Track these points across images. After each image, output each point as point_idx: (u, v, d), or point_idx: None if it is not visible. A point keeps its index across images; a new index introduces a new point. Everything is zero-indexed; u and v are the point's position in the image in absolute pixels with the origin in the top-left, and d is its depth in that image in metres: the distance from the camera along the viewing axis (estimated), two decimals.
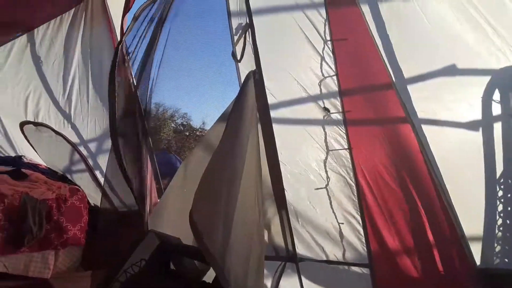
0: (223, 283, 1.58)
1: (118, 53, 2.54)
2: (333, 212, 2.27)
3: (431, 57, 2.07)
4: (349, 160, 2.25)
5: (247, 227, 1.88)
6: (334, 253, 2.36)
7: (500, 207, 2.00)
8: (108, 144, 3.80)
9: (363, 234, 2.27)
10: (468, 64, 2.01)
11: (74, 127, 3.86)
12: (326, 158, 2.28)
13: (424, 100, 2.11)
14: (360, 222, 2.28)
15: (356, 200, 2.27)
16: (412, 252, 2.18)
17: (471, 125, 2.04)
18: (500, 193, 1.99)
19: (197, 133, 8.49)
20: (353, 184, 2.26)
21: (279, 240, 2.44)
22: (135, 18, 2.51)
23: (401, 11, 2.10)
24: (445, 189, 2.07)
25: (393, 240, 2.20)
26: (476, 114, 2.01)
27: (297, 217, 2.43)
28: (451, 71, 2.01)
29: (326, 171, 2.28)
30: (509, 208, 1.98)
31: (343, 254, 2.31)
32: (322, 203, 2.36)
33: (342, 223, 2.26)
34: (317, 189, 2.30)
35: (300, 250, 2.43)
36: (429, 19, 2.01)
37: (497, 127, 1.98)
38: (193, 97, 3.21)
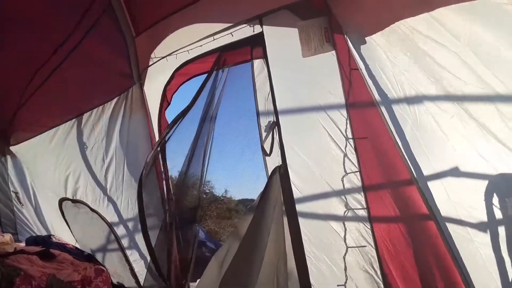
0: None
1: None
2: None
3: (442, 157, 2.18)
4: (375, 257, 2.29)
5: None
6: None
7: None
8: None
9: None
10: (471, 168, 2.10)
11: (109, 206, 4.07)
12: (345, 254, 2.33)
13: (444, 198, 2.16)
14: None
15: None
16: None
17: (480, 226, 2.09)
18: None
19: (219, 200, 8.59)
20: (380, 282, 2.28)
21: None
22: (173, 122, 2.76)
23: (416, 113, 2.22)
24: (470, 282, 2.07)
25: None
26: (483, 215, 2.07)
27: None
28: (455, 173, 2.11)
29: (345, 268, 2.32)
30: None
31: None
32: None
33: None
34: (339, 286, 2.33)
35: None
36: (437, 123, 2.15)
37: (502, 231, 2.04)
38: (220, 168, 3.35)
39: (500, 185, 2.05)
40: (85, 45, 3.31)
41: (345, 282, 2.37)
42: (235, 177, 3.13)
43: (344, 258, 2.38)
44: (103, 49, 3.59)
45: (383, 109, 2.32)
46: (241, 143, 2.98)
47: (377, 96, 2.33)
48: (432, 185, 2.21)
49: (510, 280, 2.01)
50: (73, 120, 4.06)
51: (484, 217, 2.08)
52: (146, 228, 2.91)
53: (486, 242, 2.08)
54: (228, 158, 3.02)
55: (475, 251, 2.09)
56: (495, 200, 2.05)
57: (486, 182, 2.07)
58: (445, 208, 2.17)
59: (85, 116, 3.99)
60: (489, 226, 2.08)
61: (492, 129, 1.99)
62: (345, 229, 2.39)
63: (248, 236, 2.21)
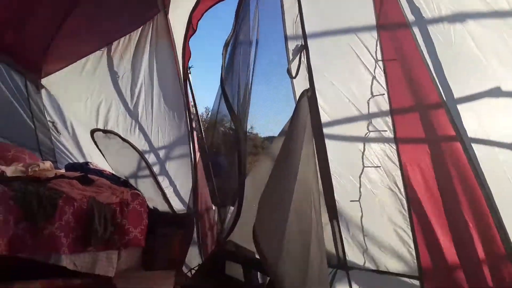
0: (277, 286, 1.77)
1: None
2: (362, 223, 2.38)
3: (479, 78, 2.16)
4: (400, 176, 2.37)
5: (304, 235, 2.07)
6: (384, 263, 2.50)
7: None
8: (172, 151, 4.18)
9: (413, 247, 2.39)
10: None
11: (140, 134, 4.24)
12: (361, 173, 2.41)
13: (473, 120, 2.19)
14: (411, 236, 2.40)
15: (406, 214, 2.39)
16: (462, 267, 2.26)
17: None
18: None
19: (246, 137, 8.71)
20: (403, 199, 2.38)
21: (330, 248, 2.62)
22: (226, 45, 2.76)
23: (451, 34, 2.18)
24: (495, 207, 2.14)
25: (443, 255, 2.31)
26: None
27: (348, 227, 2.60)
28: (496, 93, 2.09)
29: (360, 185, 2.42)
30: None
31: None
32: (374, 215, 2.50)
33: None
34: (352, 201, 2.44)
35: (351, 258, 2.59)
36: (476, 42, 2.09)
37: None
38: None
39: None
40: None
41: (359, 198, 2.48)
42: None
43: (360, 177, 2.47)
44: None
45: (415, 30, 2.27)
46: (269, 72, 2.96)
47: (410, 16, 2.27)
48: (464, 108, 2.21)
49: None
50: (102, 49, 4.12)
51: None
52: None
53: None
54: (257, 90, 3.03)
55: (499, 169, 2.14)
56: None
57: None
58: (473, 128, 2.19)
59: (113, 45, 4.05)
60: None
61: None
62: (364, 149, 2.45)
63: (282, 156, 2.30)
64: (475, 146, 2.19)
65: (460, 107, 2.22)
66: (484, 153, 2.19)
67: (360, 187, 2.50)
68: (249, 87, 2.62)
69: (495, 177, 2.17)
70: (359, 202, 2.53)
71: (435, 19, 2.22)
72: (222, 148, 3.58)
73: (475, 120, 2.21)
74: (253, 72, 2.60)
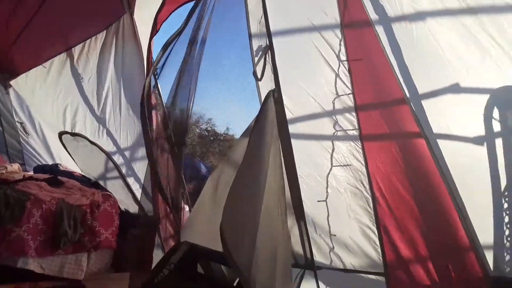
0: None
1: (150, 77, 2.78)
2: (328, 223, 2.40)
3: (440, 75, 2.20)
4: (365, 174, 2.39)
5: (272, 237, 2.07)
6: (350, 261, 2.52)
7: (506, 219, 2.12)
8: (138, 152, 4.11)
9: (378, 244, 2.41)
10: (471, 83, 2.13)
11: (108, 138, 4.16)
12: (329, 172, 2.43)
13: (436, 116, 2.24)
14: (376, 233, 2.42)
15: (372, 212, 2.41)
16: (426, 260, 2.31)
17: (477, 140, 2.17)
18: (506, 206, 2.12)
19: (221, 138, 8.70)
20: (369, 197, 2.40)
21: (298, 248, 2.62)
22: (164, 48, 2.73)
23: (413, 32, 2.21)
24: (459, 200, 2.18)
25: (407, 249, 2.35)
26: (480, 130, 2.14)
27: (315, 227, 2.60)
28: (456, 89, 2.14)
29: (327, 185, 2.43)
30: None
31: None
32: (340, 215, 2.51)
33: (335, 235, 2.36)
34: (319, 201, 2.46)
35: (318, 258, 2.60)
36: (437, 39, 2.14)
37: (499, 143, 2.11)
38: (219, 106, 3.36)
39: (502, 98, 2.10)
40: None
41: (326, 198, 2.50)
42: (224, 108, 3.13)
43: (327, 176, 2.48)
44: None
45: (379, 28, 2.30)
46: (233, 71, 2.96)
47: (373, 15, 2.29)
48: (428, 103, 2.26)
49: (502, 190, 2.12)
50: (67, 51, 4.03)
51: (481, 131, 2.15)
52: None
53: (480, 155, 2.16)
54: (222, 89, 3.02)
55: (463, 163, 2.19)
56: (495, 113, 2.10)
57: (487, 96, 2.11)
58: (436, 124, 2.24)
59: (78, 48, 3.96)
60: (486, 138, 2.15)
61: (497, 39, 1.96)
62: (333, 148, 2.47)
63: (249, 157, 2.29)
64: (439, 142, 2.24)
65: (424, 103, 2.26)
66: (448, 148, 2.23)
67: (327, 186, 2.50)
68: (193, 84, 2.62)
69: (459, 171, 2.21)
70: (326, 202, 2.53)
71: (398, 18, 2.25)
72: (198, 150, 3.55)
73: (439, 116, 2.25)
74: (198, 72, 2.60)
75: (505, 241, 2.12)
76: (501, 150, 2.09)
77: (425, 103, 2.27)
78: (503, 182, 2.10)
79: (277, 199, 2.22)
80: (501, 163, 2.09)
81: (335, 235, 2.58)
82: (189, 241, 2.39)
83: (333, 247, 2.57)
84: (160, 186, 3.18)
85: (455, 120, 2.25)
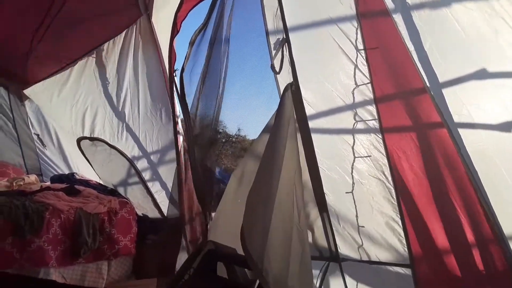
0: (262, 282, 1.80)
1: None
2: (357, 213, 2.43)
3: (463, 61, 2.19)
4: (387, 165, 2.40)
5: (286, 231, 2.09)
6: (376, 253, 2.51)
7: None
8: (159, 155, 4.19)
9: (403, 236, 2.41)
10: (498, 67, 2.10)
11: (127, 139, 4.25)
12: (353, 163, 2.43)
13: (459, 104, 2.21)
14: (400, 224, 2.41)
15: (395, 203, 2.40)
16: (452, 252, 2.28)
17: (503, 127, 2.13)
18: None
19: (233, 139, 8.76)
20: (392, 188, 2.40)
21: (322, 241, 2.63)
22: (191, 43, 2.79)
23: (433, 18, 2.22)
24: (483, 190, 2.16)
25: (433, 241, 2.32)
26: (508, 115, 2.10)
27: (338, 219, 2.61)
28: (482, 75, 2.11)
29: (352, 176, 2.44)
30: None
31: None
32: (363, 206, 2.52)
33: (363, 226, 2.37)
34: (347, 192, 2.46)
35: (343, 250, 2.60)
36: (460, 24, 2.12)
37: None
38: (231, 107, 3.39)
39: None
40: None
41: (352, 190, 2.51)
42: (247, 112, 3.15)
43: (352, 167, 2.49)
44: None
45: (397, 17, 2.30)
46: (251, 68, 2.99)
47: (390, 4, 2.31)
48: (449, 91, 2.24)
49: None
50: (86, 56, 4.16)
51: (508, 116, 2.11)
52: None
53: (504, 141, 2.15)
54: (238, 88, 3.04)
55: (490, 154, 2.17)
56: None
57: None
58: (459, 112, 2.21)
59: (98, 51, 4.08)
60: None
61: None
62: (354, 140, 2.48)
63: (266, 153, 2.33)
64: (461, 131, 2.21)
65: (445, 91, 2.24)
66: (471, 137, 2.21)
67: (352, 178, 2.51)
68: (221, 84, 2.66)
69: (482, 162, 2.19)
70: (352, 194, 2.54)
71: (417, 5, 2.26)
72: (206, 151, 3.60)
73: (461, 104, 2.22)
74: (226, 68, 2.64)
75: None
76: None
77: (446, 91, 2.25)
78: None
79: (293, 193, 2.25)
80: None
81: (363, 227, 2.57)
82: (215, 240, 2.43)
83: (359, 240, 2.57)
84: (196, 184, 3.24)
85: (479, 107, 2.21)
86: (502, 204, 2.15)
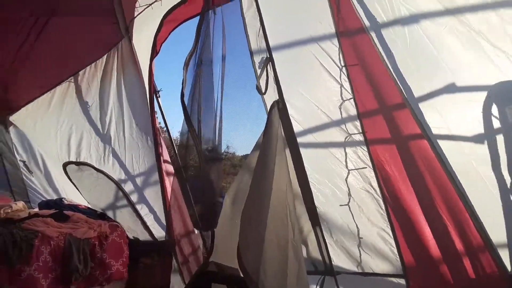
0: None
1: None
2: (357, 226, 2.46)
3: (435, 76, 2.29)
4: (374, 177, 2.47)
5: (281, 245, 2.12)
6: (369, 265, 2.57)
7: None
8: (145, 177, 4.18)
9: (395, 246, 2.47)
10: (467, 82, 2.21)
11: (114, 163, 4.22)
12: (347, 177, 2.50)
13: (435, 117, 2.31)
14: (391, 235, 2.47)
15: (385, 214, 2.47)
16: (443, 261, 2.35)
17: (477, 139, 2.23)
18: None
19: (222, 156, 8.77)
20: (380, 199, 2.47)
21: (316, 255, 2.67)
22: (186, 65, 2.82)
23: (407, 35, 2.31)
24: (467, 199, 2.24)
25: (424, 250, 2.39)
26: (480, 128, 2.20)
27: (331, 232, 2.66)
28: (452, 89, 2.22)
29: (348, 189, 2.50)
30: None
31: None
32: (352, 218, 2.58)
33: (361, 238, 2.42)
34: (342, 205, 2.52)
35: (337, 263, 2.65)
36: (431, 40, 2.23)
37: (500, 140, 2.16)
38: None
39: (499, 94, 2.14)
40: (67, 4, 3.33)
41: (348, 202, 2.56)
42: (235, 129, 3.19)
43: (346, 180, 2.56)
44: (87, 4, 3.60)
45: (373, 34, 2.40)
46: (238, 87, 3.04)
47: (366, 22, 2.40)
48: (425, 105, 2.33)
49: (508, 187, 2.15)
50: (68, 81, 4.14)
51: (481, 129, 2.20)
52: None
53: (481, 153, 2.22)
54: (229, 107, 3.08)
55: (467, 162, 2.25)
56: (494, 110, 2.15)
57: (484, 94, 2.17)
58: (437, 125, 2.31)
59: (80, 75, 4.07)
60: (486, 136, 2.20)
61: (490, 37, 2.04)
62: (346, 154, 2.55)
63: (257, 170, 2.37)
64: (440, 142, 2.31)
65: (421, 105, 2.34)
66: (450, 148, 2.30)
67: (348, 191, 2.58)
68: (219, 104, 2.70)
69: (464, 170, 2.28)
70: (348, 206, 2.60)
71: (391, 22, 2.35)
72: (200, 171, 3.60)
73: (437, 116, 2.32)
74: (222, 89, 2.68)
75: None
76: (502, 147, 2.14)
77: (423, 105, 2.34)
78: (508, 179, 2.14)
79: (285, 207, 2.29)
80: (503, 159, 2.13)
81: (362, 238, 2.62)
82: (216, 260, 2.44)
83: (353, 252, 2.62)
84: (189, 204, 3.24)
85: (453, 120, 2.31)
86: (486, 211, 2.23)
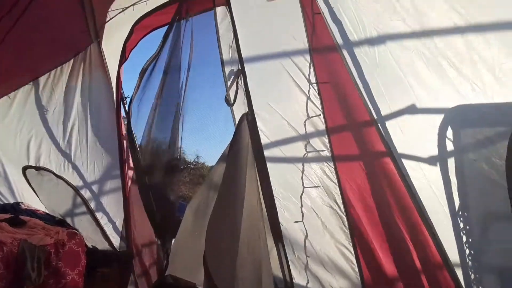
0: None
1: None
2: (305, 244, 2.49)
3: (400, 97, 2.33)
4: (339, 194, 2.48)
5: (254, 261, 2.08)
6: (329, 282, 2.55)
7: (464, 238, 2.20)
8: (107, 186, 4.05)
9: (355, 263, 2.47)
10: (427, 104, 2.26)
11: (74, 170, 4.07)
12: (302, 193, 2.51)
13: (399, 136, 2.36)
14: (353, 252, 2.48)
15: (347, 231, 2.48)
16: (402, 278, 2.37)
17: (430, 160, 2.28)
18: (461, 225, 2.20)
19: (192, 166, 8.67)
20: (344, 216, 2.47)
21: (277, 272, 2.63)
22: (142, 71, 2.78)
23: (375, 55, 2.36)
24: (427, 217, 2.28)
25: (384, 268, 2.41)
26: (435, 150, 2.25)
27: (293, 249, 2.64)
28: (412, 110, 2.27)
29: (301, 205, 2.51)
30: (470, 240, 2.18)
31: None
32: (317, 235, 2.57)
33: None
34: (296, 222, 2.52)
35: (297, 280, 2.62)
36: (397, 62, 2.28)
37: (451, 163, 2.21)
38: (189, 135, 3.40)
39: (456, 118, 2.20)
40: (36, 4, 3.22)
41: (302, 219, 2.56)
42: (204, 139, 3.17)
43: (301, 197, 2.56)
44: (56, 6, 3.50)
45: (345, 52, 2.44)
46: (207, 97, 3.04)
47: (339, 40, 2.44)
48: (390, 124, 2.37)
49: (457, 209, 2.21)
50: (32, 83, 3.99)
51: (435, 151, 2.25)
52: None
53: (436, 174, 2.26)
54: (195, 116, 3.06)
55: (426, 184, 2.30)
56: (449, 132, 2.20)
57: (441, 116, 2.22)
58: (401, 145, 2.35)
59: (44, 78, 3.93)
60: (439, 158, 2.25)
61: (455, 61, 2.10)
62: (303, 170, 2.55)
63: (226, 182, 2.33)
64: (405, 161, 2.35)
65: (388, 124, 2.38)
66: (411, 167, 2.34)
67: (301, 207, 2.57)
68: (179, 113, 2.67)
69: (423, 189, 2.32)
70: (303, 223, 2.59)
71: (361, 41, 2.40)
72: (165, 179, 3.54)
73: (401, 136, 2.37)
74: (184, 97, 2.66)
75: (467, 260, 2.19)
76: (453, 170, 2.19)
77: (389, 124, 2.38)
78: (457, 202, 2.19)
79: (256, 222, 2.26)
80: (454, 182, 2.19)
81: (309, 256, 2.62)
82: (173, 273, 2.36)
83: (311, 268, 2.60)
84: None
85: (413, 140, 2.37)
86: (442, 231, 2.27)
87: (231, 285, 1.83)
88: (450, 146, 2.22)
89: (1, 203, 4.36)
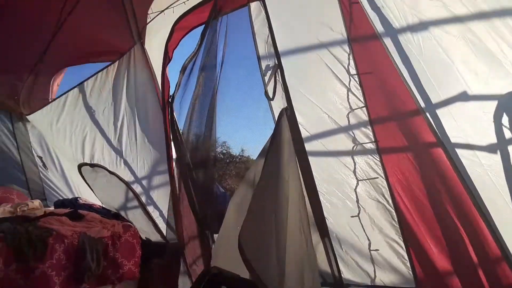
0: None
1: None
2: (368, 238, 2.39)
3: (450, 84, 2.20)
4: (386, 187, 2.39)
5: (298, 257, 2.07)
6: (380, 277, 2.49)
7: None
8: (156, 181, 4.18)
9: (407, 258, 2.39)
10: (479, 90, 2.13)
11: (126, 166, 4.23)
12: (356, 187, 2.43)
13: (452, 125, 2.23)
14: (403, 247, 2.39)
15: (397, 225, 2.39)
16: (457, 272, 2.26)
17: (490, 148, 2.15)
18: None
19: (237, 160, 8.79)
20: (393, 210, 2.39)
21: (325, 267, 2.61)
22: (183, 69, 2.81)
23: (420, 42, 2.23)
24: (484, 209, 2.15)
25: (437, 262, 2.31)
26: (493, 137, 2.12)
27: (340, 243, 2.59)
28: (464, 97, 2.14)
29: (357, 200, 2.42)
30: None
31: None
32: (363, 229, 2.50)
33: (377, 250, 2.35)
34: (353, 216, 2.45)
35: (346, 275, 2.58)
36: (443, 48, 2.15)
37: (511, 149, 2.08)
38: (234, 129, 3.41)
39: (510, 104, 2.08)
40: (81, 9, 3.34)
41: (358, 213, 2.49)
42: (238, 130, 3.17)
43: (355, 190, 2.48)
44: (101, 9, 3.60)
45: (386, 41, 2.32)
46: (243, 93, 3.01)
47: (380, 28, 2.32)
48: (441, 113, 2.25)
49: None
50: (80, 85, 4.17)
51: (493, 139, 2.13)
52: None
53: (495, 162, 2.14)
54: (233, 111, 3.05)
55: (483, 173, 2.16)
56: (505, 120, 2.08)
57: (495, 103, 2.10)
58: (453, 134, 2.23)
59: (91, 80, 4.08)
60: (498, 146, 2.12)
61: (503, 47, 1.97)
62: (355, 163, 2.47)
63: (266, 178, 2.32)
64: (458, 151, 2.22)
65: (439, 112, 2.26)
66: (466, 157, 2.21)
67: (358, 201, 2.51)
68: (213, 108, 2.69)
69: (480, 180, 2.19)
70: (359, 217, 2.53)
71: (404, 28, 2.28)
72: (206, 173, 3.59)
73: (454, 124, 2.24)
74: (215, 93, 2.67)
75: None
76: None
77: (440, 112, 2.26)
78: None
79: (298, 218, 2.24)
80: None
81: (377, 250, 2.55)
82: (218, 266, 2.41)
83: (363, 264, 2.55)
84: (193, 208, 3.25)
85: (468, 129, 2.24)
86: (503, 220, 2.14)
87: (280, 280, 1.82)
88: (507, 133, 2.09)
89: (61, 198, 4.65)
